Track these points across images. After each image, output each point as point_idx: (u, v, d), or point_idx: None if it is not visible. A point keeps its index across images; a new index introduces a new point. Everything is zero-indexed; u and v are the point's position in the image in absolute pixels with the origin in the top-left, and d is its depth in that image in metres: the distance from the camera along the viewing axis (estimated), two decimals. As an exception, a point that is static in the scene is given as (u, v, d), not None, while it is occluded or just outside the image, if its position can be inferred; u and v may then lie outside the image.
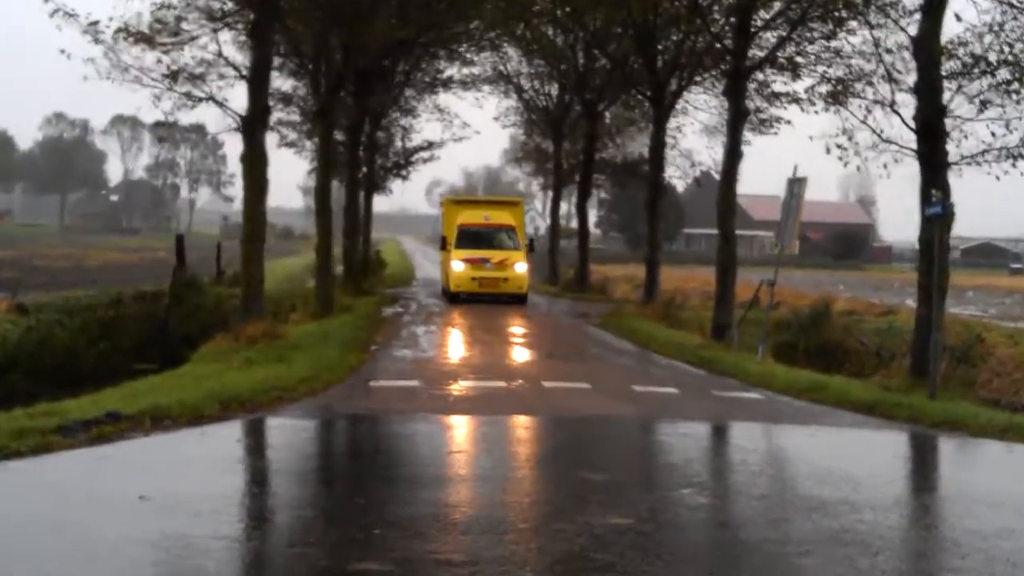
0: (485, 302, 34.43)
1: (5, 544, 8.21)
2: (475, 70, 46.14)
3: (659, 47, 34.05)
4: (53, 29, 22.14)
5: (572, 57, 41.59)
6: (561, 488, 10.75)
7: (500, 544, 8.47)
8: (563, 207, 64.95)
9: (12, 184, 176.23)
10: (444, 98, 49.56)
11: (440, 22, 34.74)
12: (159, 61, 23.28)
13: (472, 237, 35.98)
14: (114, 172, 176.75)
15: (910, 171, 19.19)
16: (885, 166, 20.27)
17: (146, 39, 22.71)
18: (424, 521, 9.03)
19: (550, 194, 57.35)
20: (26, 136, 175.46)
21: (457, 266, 35.25)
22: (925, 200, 18.30)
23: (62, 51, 22.31)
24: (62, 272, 57.50)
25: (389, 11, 31.01)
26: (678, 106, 37.15)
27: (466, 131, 51.00)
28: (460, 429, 14.25)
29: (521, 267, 35.49)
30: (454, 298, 35.43)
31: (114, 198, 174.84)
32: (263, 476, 11.38)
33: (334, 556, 8.11)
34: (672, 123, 38.07)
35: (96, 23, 22.12)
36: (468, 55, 42.99)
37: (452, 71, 46.40)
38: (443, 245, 38.20)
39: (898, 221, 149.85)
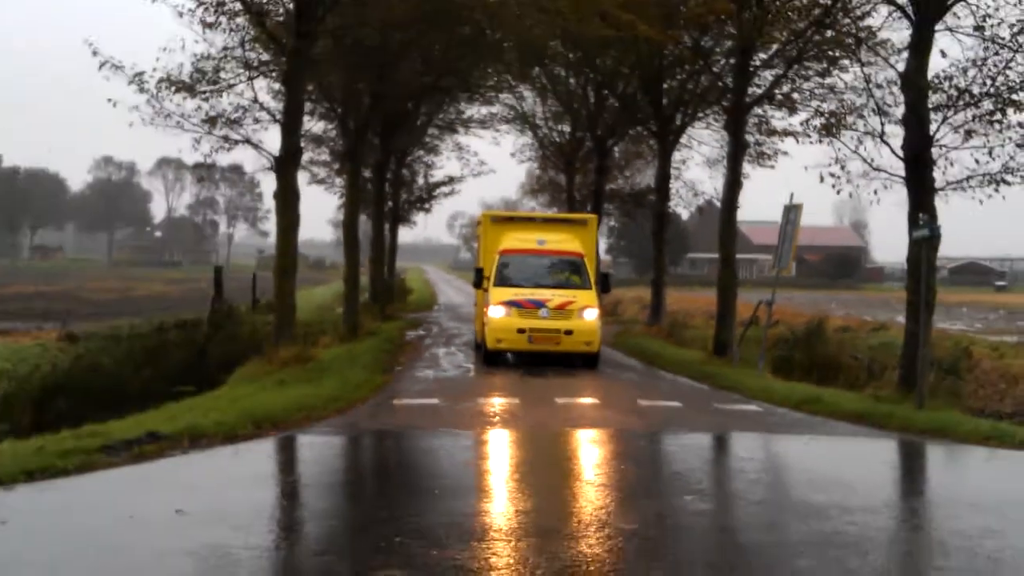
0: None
1: (50, 558, 8.22)
2: (493, 110, 46.20)
3: (664, 86, 34.03)
4: (102, 80, 22.41)
5: (584, 97, 41.52)
6: (570, 496, 10.72)
7: (513, 551, 8.46)
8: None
9: (64, 223, 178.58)
10: (464, 137, 49.54)
11: (460, 68, 34.73)
12: (199, 108, 23.50)
13: (520, 269, 24.44)
14: (158, 209, 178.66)
15: (899, 197, 19.18)
16: (876, 192, 20.25)
17: (187, 88, 22.92)
18: (442, 530, 9.01)
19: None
20: (76, 178, 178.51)
21: (496, 312, 23.22)
22: (913, 223, 18.27)
23: (109, 100, 22.45)
24: (109, 303, 57.79)
25: (413, 59, 31.15)
26: (682, 140, 37.10)
27: (484, 167, 51.18)
28: (478, 443, 14.21)
29: (591, 314, 23.29)
30: (493, 359, 23.69)
31: (158, 234, 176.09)
32: (293, 490, 11.37)
33: (358, 564, 8.12)
34: (676, 156, 38.04)
35: (141, 74, 22.38)
36: (488, 95, 43.03)
37: (472, 111, 46.50)
38: (478, 280, 25.52)
39: (889, 243, 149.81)
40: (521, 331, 22.86)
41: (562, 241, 25.44)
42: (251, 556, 8.21)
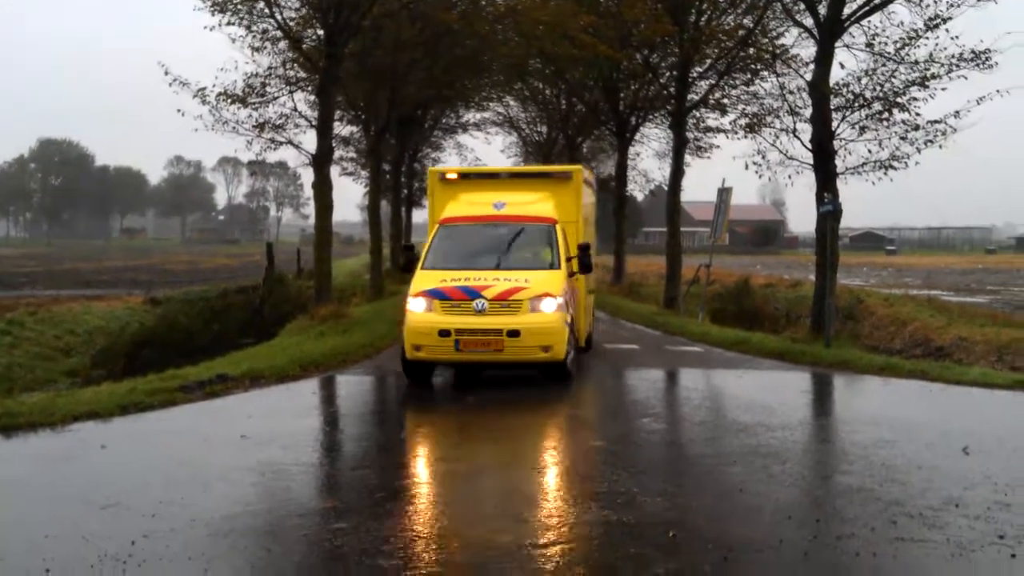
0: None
1: (141, 473, 8.24)
2: (485, 115, 46.02)
3: (621, 95, 33.80)
4: (172, 94, 22.20)
5: (557, 104, 41.28)
6: (552, 419, 10.75)
7: (500, 454, 8.49)
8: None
9: (145, 209, 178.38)
10: (463, 137, 49.56)
11: (458, 82, 34.47)
12: (250, 116, 23.24)
13: (461, 245, 14.24)
14: (220, 198, 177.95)
15: (809, 180, 19.13)
16: (790, 177, 20.29)
17: (240, 100, 22.65)
18: (450, 448, 9.04)
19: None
20: (154, 174, 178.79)
21: (415, 305, 13.16)
22: (820, 201, 18.25)
23: (178, 110, 22.28)
24: (183, 273, 57.42)
25: (420, 74, 30.90)
26: (636, 137, 36.91)
27: (479, 162, 51.03)
28: (475, 379, 14.19)
29: (549, 305, 12.81)
30: (414, 373, 13.35)
31: (221, 218, 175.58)
32: (333, 418, 11.39)
33: (384, 476, 8.13)
34: (632, 150, 37.90)
35: (203, 89, 22.10)
36: (481, 104, 42.79)
37: (468, 116, 46.32)
38: (406, 261, 14.71)
39: (802, 217, 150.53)
40: (444, 333, 12.63)
41: (531, 203, 14.92)
42: (300, 470, 8.24)
